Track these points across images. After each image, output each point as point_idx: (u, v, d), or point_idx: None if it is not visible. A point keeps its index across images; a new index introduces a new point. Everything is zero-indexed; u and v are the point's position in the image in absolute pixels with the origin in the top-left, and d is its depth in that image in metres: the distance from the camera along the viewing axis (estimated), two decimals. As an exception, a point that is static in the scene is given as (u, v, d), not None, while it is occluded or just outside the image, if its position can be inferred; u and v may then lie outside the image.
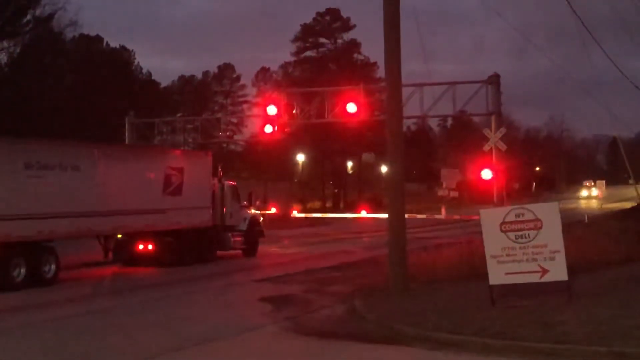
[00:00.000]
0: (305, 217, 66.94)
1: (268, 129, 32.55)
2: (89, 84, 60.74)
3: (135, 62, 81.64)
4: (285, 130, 35.06)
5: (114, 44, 77.52)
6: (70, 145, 25.67)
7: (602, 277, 18.00)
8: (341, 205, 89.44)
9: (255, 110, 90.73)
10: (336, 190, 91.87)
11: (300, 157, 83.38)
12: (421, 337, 12.48)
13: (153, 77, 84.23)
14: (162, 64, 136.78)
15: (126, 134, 36.12)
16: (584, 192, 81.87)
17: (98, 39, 73.66)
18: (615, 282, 16.99)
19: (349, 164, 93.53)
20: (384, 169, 55.86)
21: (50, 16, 55.32)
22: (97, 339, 13.52)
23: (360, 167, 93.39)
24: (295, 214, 67.07)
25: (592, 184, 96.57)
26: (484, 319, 13.21)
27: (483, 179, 27.78)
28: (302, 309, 17.05)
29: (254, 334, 14.01)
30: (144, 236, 27.32)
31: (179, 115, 49.30)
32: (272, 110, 31.39)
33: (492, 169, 27.34)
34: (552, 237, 14.41)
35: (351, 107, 30.50)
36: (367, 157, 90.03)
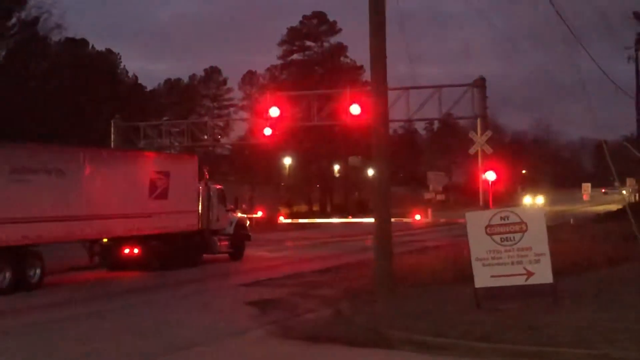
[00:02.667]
0: (292, 222, 67.07)
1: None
2: (74, 87, 60.52)
3: (121, 66, 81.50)
4: (277, 132, 34.85)
5: (99, 47, 77.29)
6: (56, 150, 25.55)
7: (587, 280, 18.06)
8: (328, 208, 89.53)
9: (242, 114, 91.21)
10: (319, 195, 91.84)
11: (287, 161, 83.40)
12: (407, 340, 12.48)
13: (139, 81, 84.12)
14: (148, 68, 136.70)
15: (112, 138, 36.04)
16: (526, 199, 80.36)
17: (84, 42, 73.39)
18: (600, 285, 17.06)
19: (336, 168, 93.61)
20: (370, 172, 55.90)
21: (36, 20, 55.21)
22: (83, 344, 13.45)
23: (347, 171, 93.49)
24: (281, 219, 67.14)
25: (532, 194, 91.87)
26: (470, 321, 13.22)
27: (472, 182, 27.89)
28: (288, 312, 17.02)
29: (240, 338, 13.98)
30: (130, 240, 27.23)
31: (165, 118, 48.99)
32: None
33: (490, 171, 27.45)
34: (537, 240, 14.47)
35: (338, 110, 30.53)
36: (353, 160, 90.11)
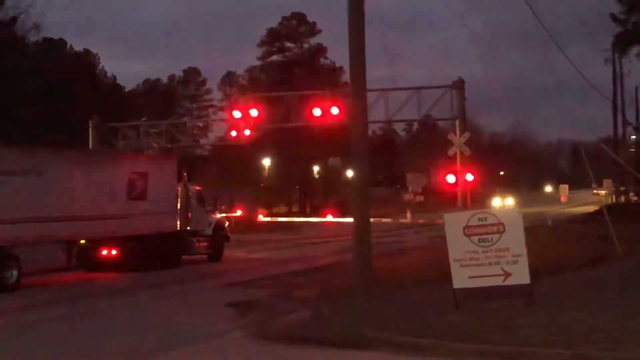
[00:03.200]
0: (272, 222, 66.95)
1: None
2: (52, 87, 60.18)
3: (100, 66, 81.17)
4: (254, 133, 34.95)
5: (78, 47, 76.92)
6: (34, 150, 25.36)
7: (563, 280, 18.18)
8: (307, 209, 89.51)
9: (221, 114, 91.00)
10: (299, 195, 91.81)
11: (267, 162, 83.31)
12: (386, 341, 12.51)
13: (118, 81, 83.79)
14: (127, 68, 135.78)
15: (90, 139, 35.85)
16: (496, 201, 79.56)
17: (61, 42, 73.03)
18: (577, 285, 17.18)
19: (315, 169, 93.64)
20: (350, 173, 55.98)
21: (14, 19, 54.79)
22: (60, 346, 13.38)
23: (327, 172, 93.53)
24: (261, 218, 67.02)
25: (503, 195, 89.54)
26: (448, 322, 13.28)
27: (449, 183, 28.01)
28: (267, 314, 17.00)
29: (219, 340, 13.95)
30: (108, 242, 27.11)
31: (143, 119, 48.82)
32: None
33: (461, 173, 27.56)
34: (515, 241, 14.53)
35: (317, 111, 30.57)
36: (333, 161, 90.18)
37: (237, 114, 31.37)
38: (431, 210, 65.66)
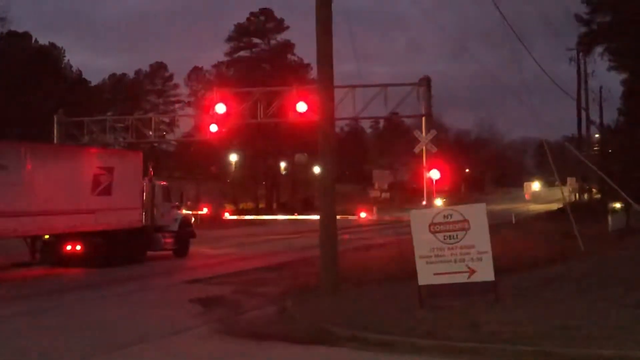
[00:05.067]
0: (238, 219, 66.85)
1: (214, 128, 32.27)
2: (16, 81, 59.49)
3: (65, 60, 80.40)
4: (223, 130, 34.85)
5: (43, 40, 76.11)
6: (-4, 144, 25.10)
7: (528, 278, 18.33)
8: (274, 205, 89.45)
9: (188, 110, 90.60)
10: (264, 192, 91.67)
11: (233, 158, 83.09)
12: (351, 337, 12.54)
13: (83, 75, 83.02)
14: (93, 62, 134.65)
15: (55, 133, 35.49)
16: (437, 202, 78.89)
17: (26, 35, 72.21)
18: (540, 282, 17.34)
19: (282, 165, 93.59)
20: (316, 169, 56.05)
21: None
22: (20, 341, 13.24)
23: (294, 168, 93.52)
24: (227, 216, 66.91)
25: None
26: (413, 319, 13.35)
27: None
28: (232, 310, 16.97)
29: (183, 336, 13.88)
30: (72, 237, 26.86)
31: (109, 114, 48.67)
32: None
33: (433, 170, 27.71)
34: (480, 238, 14.63)
35: (284, 108, 30.55)
36: (300, 157, 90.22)
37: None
38: (397, 207, 65.87)
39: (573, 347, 10.94)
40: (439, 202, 44.60)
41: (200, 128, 34.40)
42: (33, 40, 73.96)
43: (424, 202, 28.12)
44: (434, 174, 27.78)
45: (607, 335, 11.42)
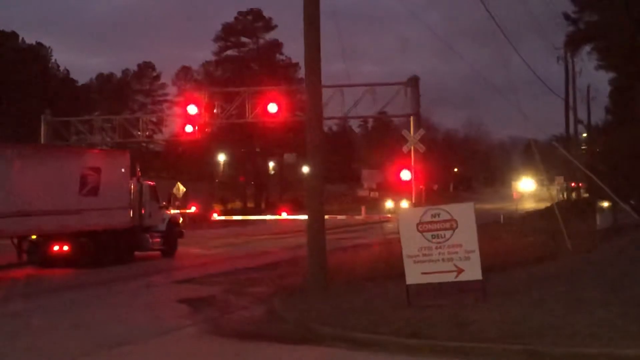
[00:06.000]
0: (226, 219, 66.70)
1: (188, 128, 32.32)
2: (3, 81, 59.23)
3: (53, 59, 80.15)
4: (206, 130, 34.94)
5: (30, 40, 75.82)
6: (-17, 145, 24.98)
7: (515, 276, 18.37)
8: (262, 205, 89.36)
9: (176, 110, 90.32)
10: (252, 192, 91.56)
11: (222, 157, 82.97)
12: (339, 337, 12.54)
13: (71, 75, 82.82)
14: (80, 62, 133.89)
15: (42, 134, 35.35)
16: (388, 203, 76.25)
17: (13, 35, 71.93)
18: (529, 281, 17.35)
19: (271, 165, 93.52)
20: (305, 169, 56.02)
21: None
22: (8, 342, 13.18)
23: (282, 168, 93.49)
24: (215, 217, 66.74)
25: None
26: (401, 318, 13.35)
27: (402, 180, 28.09)
28: (220, 310, 16.96)
29: (171, 336, 13.85)
30: (60, 237, 26.79)
31: (96, 114, 48.53)
32: (192, 109, 31.21)
33: (410, 170, 27.67)
34: (467, 237, 14.65)
35: (272, 108, 30.54)
36: (288, 157, 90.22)
37: (192, 109, 31.18)
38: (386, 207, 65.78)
39: (560, 346, 10.96)
40: (404, 203, 44.35)
41: (184, 129, 34.31)
42: (20, 40, 73.69)
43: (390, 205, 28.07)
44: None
45: (593, 333, 11.45)
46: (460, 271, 14.62)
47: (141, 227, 30.52)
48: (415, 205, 27.08)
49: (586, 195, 54.57)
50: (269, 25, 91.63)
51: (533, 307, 13.72)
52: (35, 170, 25.19)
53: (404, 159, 27.49)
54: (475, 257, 14.59)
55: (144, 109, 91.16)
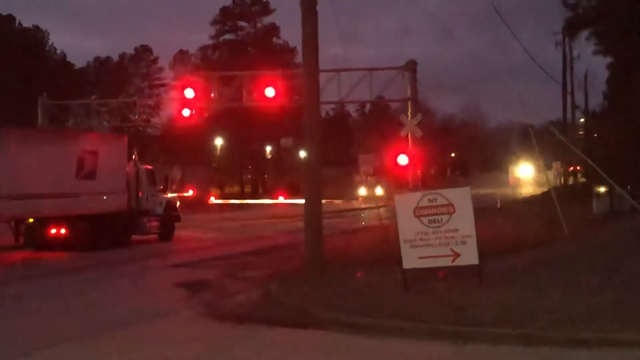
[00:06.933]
0: (223, 203, 66.77)
1: (186, 112, 32.19)
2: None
3: (49, 43, 79.92)
4: (204, 114, 34.86)
5: (26, 23, 75.57)
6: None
7: (512, 261, 18.39)
8: (259, 190, 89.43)
9: (173, 94, 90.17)
10: (249, 176, 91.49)
11: (219, 142, 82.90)
12: (336, 320, 12.57)
13: (68, 58, 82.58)
14: (77, 45, 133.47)
15: (39, 117, 35.26)
16: (361, 191, 75.40)
17: (10, 18, 71.64)
18: (525, 266, 17.39)
19: (268, 149, 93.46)
20: (302, 154, 55.95)
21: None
22: (6, 326, 13.20)
23: (279, 152, 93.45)
24: (212, 200, 66.81)
25: (373, 179, 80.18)
26: (398, 302, 13.39)
27: (399, 165, 28.03)
28: (217, 294, 16.98)
29: (168, 320, 13.88)
30: (57, 221, 26.81)
31: (93, 97, 48.32)
32: (189, 93, 31.03)
33: (408, 155, 27.61)
34: (464, 221, 14.66)
35: (269, 92, 30.42)
36: (285, 142, 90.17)
37: (189, 92, 31.06)
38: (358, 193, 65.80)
39: (556, 330, 11.01)
40: (379, 190, 44.24)
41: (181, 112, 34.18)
42: (17, 23, 73.43)
43: (409, 186, 28.02)
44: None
45: (589, 318, 11.50)
46: (457, 256, 14.64)
47: (138, 210, 30.54)
48: (412, 190, 27.08)
49: (583, 180, 54.68)
50: (266, 9, 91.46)
51: (529, 292, 13.76)
52: (31, 153, 25.15)
53: (401, 143, 27.41)
54: (472, 242, 14.62)
55: (141, 92, 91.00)
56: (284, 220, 44.42)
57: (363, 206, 60.01)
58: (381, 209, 28.83)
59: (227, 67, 53.50)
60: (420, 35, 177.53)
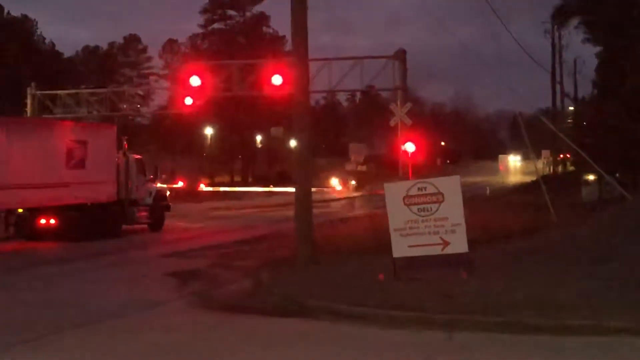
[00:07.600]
0: (214, 191, 66.72)
1: (188, 100, 32.04)
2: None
3: (38, 32, 79.52)
4: (197, 102, 34.52)
5: (15, 12, 75.13)
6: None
7: (501, 250, 18.49)
8: (250, 179, 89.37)
9: (163, 83, 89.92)
10: (240, 166, 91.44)
11: (209, 131, 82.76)
12: (326, 309, 12.59)
13: (56, 48, 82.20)
14: (66, 34, 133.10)
15: (28, 107, 35.17)
16: (334, 181, 74.82)
17: (-2, 7, 71.29)
18: (513, 254, 17.49)
19: (258, 138, 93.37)
20: (292, 143, 56.04)
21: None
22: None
23: (269, 141, 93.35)
24: (202, 187, 66.69)
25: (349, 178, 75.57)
26: (387, 290, 13.43)
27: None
28: (208, 283, 16.98)
29: (159, 309, 13.88)
30: (46, 211, 26.75)
31: (83, 87, 48.25)
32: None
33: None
34: (454, 210, 14.70)
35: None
36: (275, 131, 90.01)
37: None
38: (373, 180, 65.99)
39: (545, 318, 11.07)
40: (353, 182, 44.39)
41: (175, 101, 34.11)
42: (5, 12, 73.02)
43: (399, 174, 28.09)
44: (409, 147, 27.82)
45: (578, 305, 11.57)
46: (446, 244, 14.70)
47: (128, 200, 30.48)
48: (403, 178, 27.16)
49: (572, 168, 54.89)
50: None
51: (519, 280, 13.83)
52: (21, 143, 25.07)
53: (401, 132, 27.48)
54: (461, 230, 14.67)
55: (130, 82, 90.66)
56: (274, 209, 44.44)
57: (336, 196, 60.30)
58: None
59: (216, 56, 53.46)
60: (411, 25, 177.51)
